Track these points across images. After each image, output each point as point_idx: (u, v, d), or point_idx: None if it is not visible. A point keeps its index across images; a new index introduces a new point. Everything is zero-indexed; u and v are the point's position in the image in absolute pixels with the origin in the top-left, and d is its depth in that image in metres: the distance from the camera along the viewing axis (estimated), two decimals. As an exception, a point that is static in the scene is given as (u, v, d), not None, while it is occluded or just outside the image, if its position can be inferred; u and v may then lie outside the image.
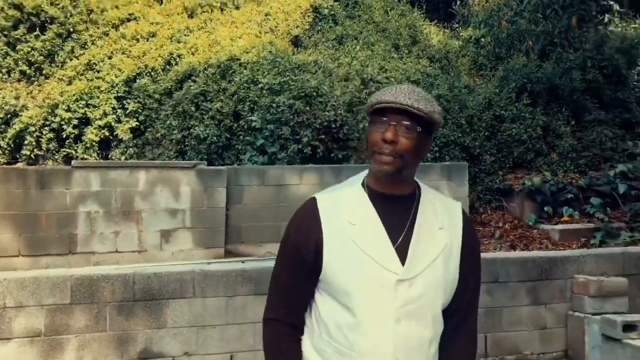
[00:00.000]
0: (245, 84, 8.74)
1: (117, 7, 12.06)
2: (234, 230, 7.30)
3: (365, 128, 8.12)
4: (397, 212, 1.60)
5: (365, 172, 1.67)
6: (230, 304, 4.42)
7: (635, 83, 10.39)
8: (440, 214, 1.64)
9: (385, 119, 1.53)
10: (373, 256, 1.55)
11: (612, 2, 9.04)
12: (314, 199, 1.66)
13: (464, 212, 1.70)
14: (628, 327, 4.62)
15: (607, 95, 9.79)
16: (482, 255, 5.20)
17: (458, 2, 13.92)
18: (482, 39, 11.39)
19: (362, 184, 1.64)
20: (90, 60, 10.79)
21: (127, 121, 9.45)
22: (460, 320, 1.69)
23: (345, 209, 1.60)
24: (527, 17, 8.51)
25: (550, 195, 8.16)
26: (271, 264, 1.76)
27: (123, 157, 9.17)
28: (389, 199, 1.60)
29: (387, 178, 1.57)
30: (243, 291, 4.42)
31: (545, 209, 8.13)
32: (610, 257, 5.28)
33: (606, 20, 9.22)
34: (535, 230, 7.79)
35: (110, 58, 10.67)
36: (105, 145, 9.61)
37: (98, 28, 11.64)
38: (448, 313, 1.66)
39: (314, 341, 1.65)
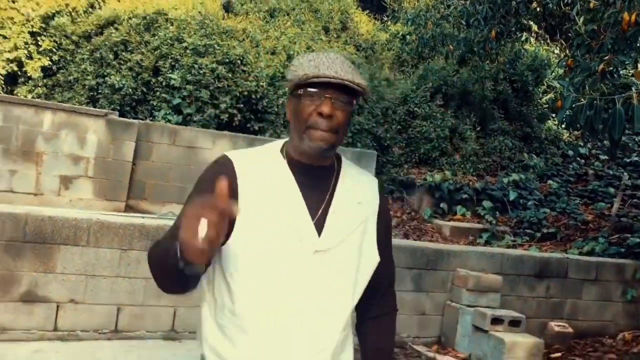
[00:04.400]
0: (169, 40, 8.54)
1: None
2: (138, 186, 7.20)
3: (285, 102, 8.20)
4: (317, 184, 1.48)
5: (281, 141, 1.54)
6: (124, 256, 4.41)
7: (539, 101, 11.14)
8: (360, 188, 1.55)
9: (318, 91, 1.39)
10: (291, 226, 1.42)
11: (531, 23, 9.59)
12: (225, 156, 1.48)
13: (381, 188, 1.61)
14: (496, 321, 5.06)
15: (513, 107, 10.46)
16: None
17: (391, -4, 14.23)
18: (408, 36, 11.76)
19: (282, 152, 1.50)
20: (6, -13, 10.11)
21: (39, 59, 8.98)
22: (381, 297, 1.63)
23: (262, 173, 1.45)
24: (452, 22, 8.90)
25: (448, 193, 8.66)
26: (172, 222, 1.52)
27: (30, 96, 8.73)
28: (309, 169, 1.47)
29: (320, 154, 1.44)
30: (139, 246, 4.43)
31: (441, 205, 8.62)
32: (491, 256, 5.72)
33: (523, 38, 9.79)
34: (430, 224, 8.25)
35: (29, -11, 10.05)
36: (11, 81, 9.11)
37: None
38: (369, 291, 1.56)
39: (216, 317, 1.47)
